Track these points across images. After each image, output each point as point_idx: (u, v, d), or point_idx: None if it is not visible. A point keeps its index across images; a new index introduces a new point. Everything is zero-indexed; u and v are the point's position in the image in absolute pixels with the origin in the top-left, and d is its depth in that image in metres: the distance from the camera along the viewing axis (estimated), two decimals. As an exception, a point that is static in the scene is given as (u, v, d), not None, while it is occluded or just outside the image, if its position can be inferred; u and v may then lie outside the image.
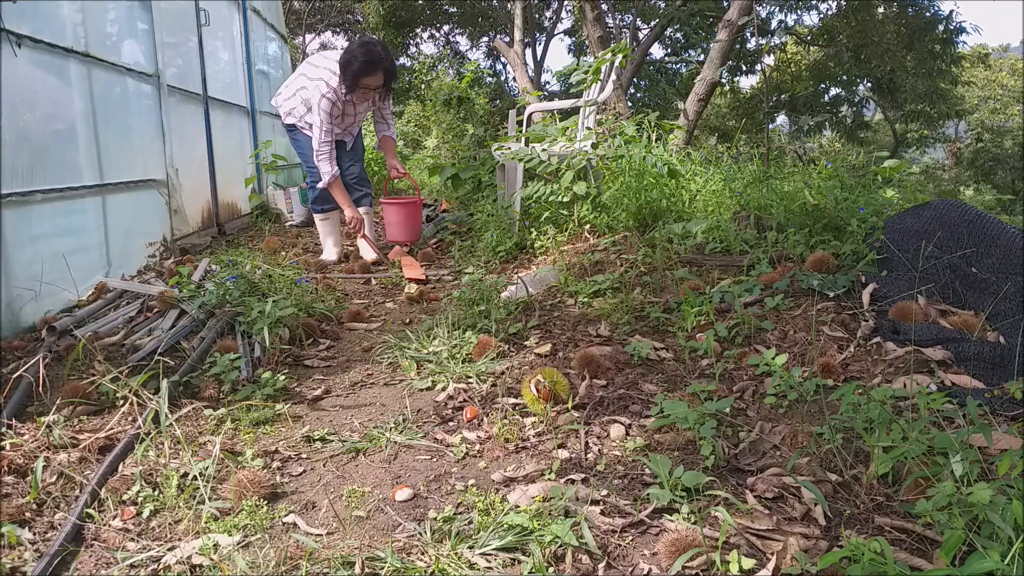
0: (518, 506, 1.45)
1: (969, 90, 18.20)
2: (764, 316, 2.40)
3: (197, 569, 1.32)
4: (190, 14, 4.81)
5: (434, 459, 1.74)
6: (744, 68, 15.41)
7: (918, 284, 2.31)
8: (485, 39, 19.85)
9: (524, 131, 4.77)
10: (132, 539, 1.43)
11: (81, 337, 2.51)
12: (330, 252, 4.34)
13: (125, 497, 1.57)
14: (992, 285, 2.27)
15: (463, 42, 20.48)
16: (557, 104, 5.36)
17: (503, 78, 19.90)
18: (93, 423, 1.96)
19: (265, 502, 1.53)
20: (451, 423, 1.94)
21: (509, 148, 4.19)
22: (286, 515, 1.50)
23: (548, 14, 18.79)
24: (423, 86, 13.32)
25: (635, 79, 14.85)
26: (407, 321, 2.99)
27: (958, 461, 1.34)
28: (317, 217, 4.33)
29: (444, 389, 2.15)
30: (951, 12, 12.61)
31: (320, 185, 4.08)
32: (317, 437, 1.89)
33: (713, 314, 2.43)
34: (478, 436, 1.84)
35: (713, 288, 2.66)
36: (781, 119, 16.85)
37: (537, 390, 1.91)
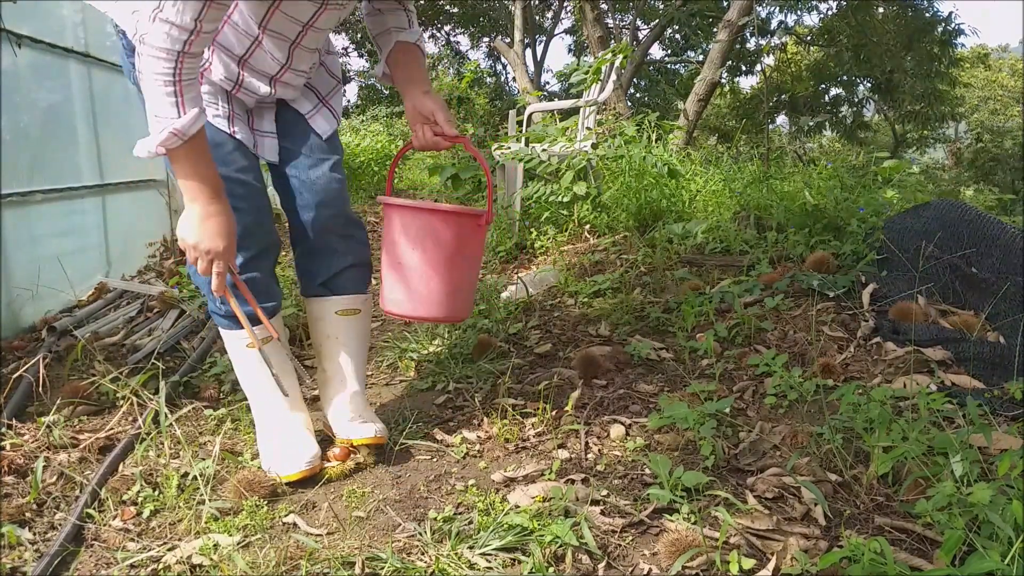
0: (518, 506, 1.45)
1: (969, 91, 18.19)
2: (764, 316, 2.40)
3: (197, 569, 1.32)
4: (190, 14, 4.80)
5: (434, 459, 1.74)
6: (744, 68, 15.41)
7: (918, 284, 2.31)
8: (486, 39, 19.85)
9: (524, 131, 4.77)
10: (132, 539, 1.44)
11: (81, 337, 2.51)
12: (289, 452, 1.65)
13: (125, 497, 1.57)
14: (992, 285, 2.27)
15: (463, 42, 20.48)
16: (557, 104, 5.36)
17: (503, 78, 19.91)
18: (93, 423, 1.96)
19: (265, 502, 1.53)
20: (451, 423, 1.93)
21: (509, 148, 4.19)
22: (286, 515, 1.50)
23: (548, 15, 18.79)
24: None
25: (635, 79, 14.85)
26: (407, 321, 2.99)
27: (958, 461, 1.34)
28: (225, 338, 1.79)
29: (444, 389, 2.15)
30: (950, 14, 12.63)
31: (143, 152, 1.41)
32: (317, 437, 1.88)
33: (713, 314, 2.43)
34: (478, 436, 1.84)
35: (713, 288, 2.66)
36: (781, 119, 16.86)
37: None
